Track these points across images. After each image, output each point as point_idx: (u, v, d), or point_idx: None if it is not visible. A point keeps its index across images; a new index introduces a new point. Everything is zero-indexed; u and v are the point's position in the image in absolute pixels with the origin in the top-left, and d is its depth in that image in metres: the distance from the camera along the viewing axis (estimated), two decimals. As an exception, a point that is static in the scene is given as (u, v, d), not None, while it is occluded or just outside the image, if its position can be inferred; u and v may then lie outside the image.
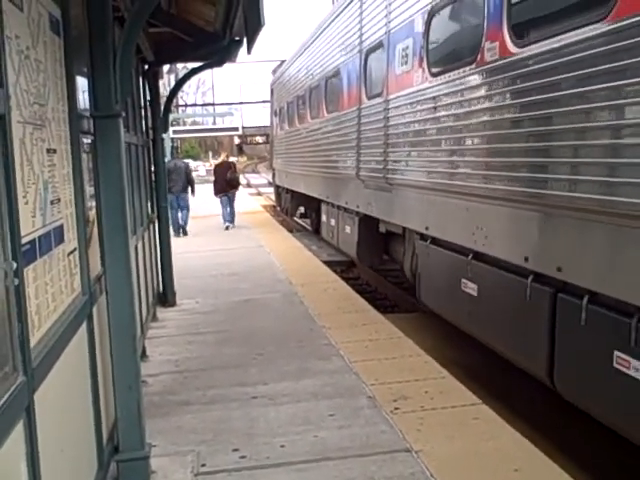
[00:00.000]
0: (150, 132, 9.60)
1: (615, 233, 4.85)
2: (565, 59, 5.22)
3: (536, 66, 5.63)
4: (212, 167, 23.05)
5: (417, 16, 8.47)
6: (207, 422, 5.52)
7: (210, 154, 62.39)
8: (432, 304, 8.88)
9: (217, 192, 19.75)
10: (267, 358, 7.15)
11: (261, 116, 39.13)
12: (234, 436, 5.23)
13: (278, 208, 26.06)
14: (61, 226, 3.52)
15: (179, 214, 18.42)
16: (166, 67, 20.08)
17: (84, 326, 3.89)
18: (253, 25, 6.73)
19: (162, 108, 10.07)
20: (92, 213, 4.43)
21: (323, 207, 15.90)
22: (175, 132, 27.06)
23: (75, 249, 3.84)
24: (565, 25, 5.25)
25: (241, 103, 47.70)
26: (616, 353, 4.90)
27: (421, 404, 5.72)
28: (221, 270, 12.62)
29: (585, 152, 5.09)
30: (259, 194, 41.49)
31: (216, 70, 39.32)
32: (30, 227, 2.89)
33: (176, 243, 10.51)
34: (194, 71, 10.79)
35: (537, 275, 6.02)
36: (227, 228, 19.32)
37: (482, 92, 6.70)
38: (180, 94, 24.05)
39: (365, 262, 12.80)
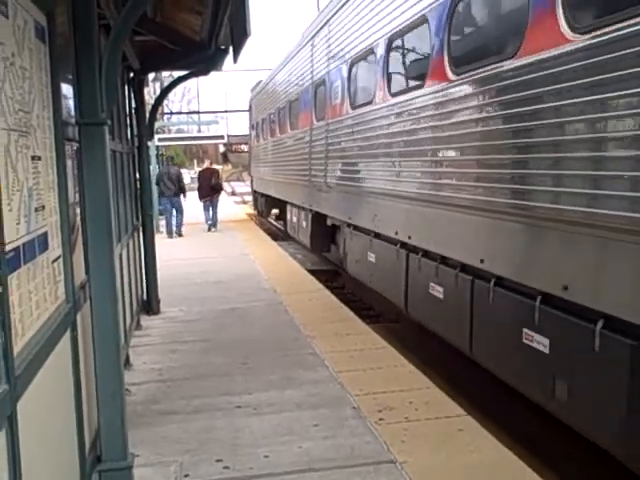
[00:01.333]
0: (135, 140, 9.58)
1: (524, 231, 5.78)
2: (483, 88, 6.32)
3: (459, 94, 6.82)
4: (197, 174, 23.61)
5: (343, 65, 11.65)
6: (191, 432, 5.48)
7: (195, 162, 62.25)
8: (352, 272, 12.01)
9: (202, 197, 21.46)
10: (252, 367, 7.13)
11: (246, 125, 39.21)
12: (218, 446, 5.20)
13: (255, 211, 28.92)
14: (45, 233, 3.49)
15: (173, 218, 19.99)
16: (151, 75, 20.08)
17: (67, 334, 3.86)
18: (239, 35, 6.75)
19: (147, 116, 10.06)
20: (76, 220, 4.40)
21: (288, 207, 18.68)
22: (160, 140, 26.98)
23: (59, 256, 3.81)
24: (485, 60, 6.29)
25: (226, 112, 47.78)
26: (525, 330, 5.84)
27: (406, 415, 5.72)
28: (206, 278, 12.58)
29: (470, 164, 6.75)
30: (244, 202, 41.46)
31: (201, 78, 39.35)
32: (14, 234, 2.86)
33: (161, 251, 10.45)
34: (180, 79, 10.78)
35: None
36: (209, 229, 21.12)
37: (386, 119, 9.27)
38: (165, 102, 24.10)
39: (317, 249, 15.52)
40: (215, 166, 25.91)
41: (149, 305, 9.73)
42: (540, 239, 5.55)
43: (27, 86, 3.26)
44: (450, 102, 7.01)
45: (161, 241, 17.82)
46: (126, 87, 8.89)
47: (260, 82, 25.40)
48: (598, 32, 4.63)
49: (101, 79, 4.25)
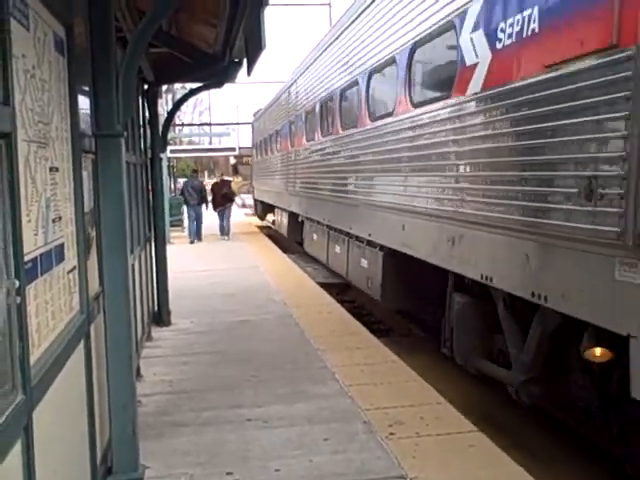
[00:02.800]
0: (148, 151, 9.62)
1: (392, 216, 8.98)
2: (427, 120, 7.62)
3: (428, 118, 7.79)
4: (209, 186, 24.96)
5: (302, 111, 16.71)
6: (201, 444, 5.48)
7: (206, 174, 62.40)
8: (308, 250, 17.07)
9: (216, 207, 23.36)
10: (262, 380, 7.12)
11: (257, 138, 39.28)
12: (228, 459, 5.19)
13: (256, 216, 34.09)
14: (62, 244, 3.52)
15: (194, 223, 22.20)
16: (164, 87, 20.22)
17: (81, 345, 3.87)
18: (254, 48, 6.77)
19: (160, 127, 10.10)
20: (91, 231, 4.43)
21: (275, 210, 24.80)
22: (172, 151, 27.11)
23: (75, 267, 3.83)
24: (430, 99, 7.67)
25: (237, 124, 47.83)
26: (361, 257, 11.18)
27: (417, 430, 5.69)
28: (216, 290, 12.59)
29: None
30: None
31: (213, 90, 39.47)
32: (32, 245, 2.88)
33: (172, 262, 10.46)
34: (193, 92, 10.83)
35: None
36: (222, 235, 22.94)
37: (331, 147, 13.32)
38: (177, 113, 24.32)
39: (292, 238, 20.48)
40: (226, 178, 27.97)
41: (160, 316, 9.74)
42: (368, 217, 10.31)
43: (46, 98, 3.29)
44: (416, 127, 8.09)
45: (180, 247, 19.46)
46: (140, 99, 8.93)
47: (260, 110, 30.45)
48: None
49: (118, 91, 4.29)
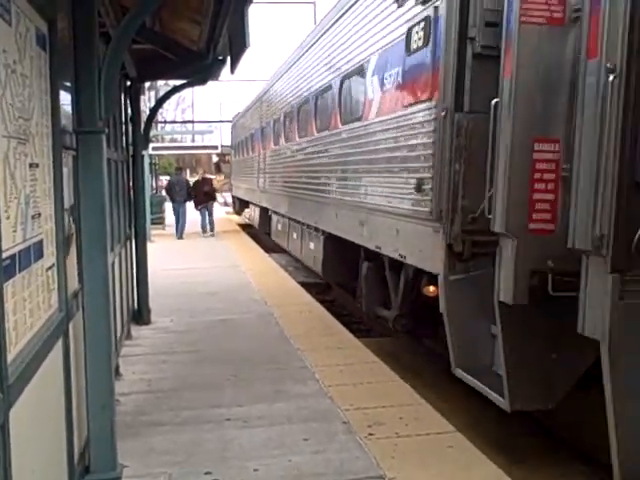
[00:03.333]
0: (130, 148, 9.56)
1: (329, 207, 11.51)
2: (353, 134, 10.00)
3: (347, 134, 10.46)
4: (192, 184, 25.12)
5: (271, 120, 19.36)
6: (179, 444, 5.45)
7: (188, 171, 62.19)
8: (274, 239, 19.68)
9: (197, 204, 23.67)
10: (242, 379, 7.11)
11: (240, 135, 39.46)
12: (207, 459, 5.17)
13: (232, 211, 37.07)
14: (41, 241, 3.48)
15: (179, 220, 22.76)
16: (147, 83, 20.14)
17: (60, 343, 3.84)
18: (238, 46, 6.76)
19: (143, 124, 10.04)
20: (70, 228, 4.39)
21: (250, 206, 27.54)
22: (154, 149, 26.99)
23: (53, 265, 3.80)
24: (352, 120, 10.10)
25: (221, 122, 47.66)
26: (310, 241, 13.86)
27: (396, 430, 5.70)
28: (197, 289, 12.55)
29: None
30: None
31: (196, 88, 39.35)
32: (11, 242, 2.85)
33: (152, 260, 10.40)
34: (176, 89, 10.80)
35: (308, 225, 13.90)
36: (204, 232, 23.45)
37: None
38: (160, 110, 24.35)
39: (262, 230, 23.07)
40: (208, 176, 28.96)
41: (140, 315, 9.68)
42: (314, 209, 12.80)
43: (27, 93, 3.26)
44: (343, 140, 10.72)
45: (161, 245, 19.34)
46: (122, 95, 8.87)
47: (238, 114, 33.24)
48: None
49: (100, 87, 4.25)
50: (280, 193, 17.47)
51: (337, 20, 11.06)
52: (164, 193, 27.11)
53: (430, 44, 6.94)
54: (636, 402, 4.65)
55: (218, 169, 55.28)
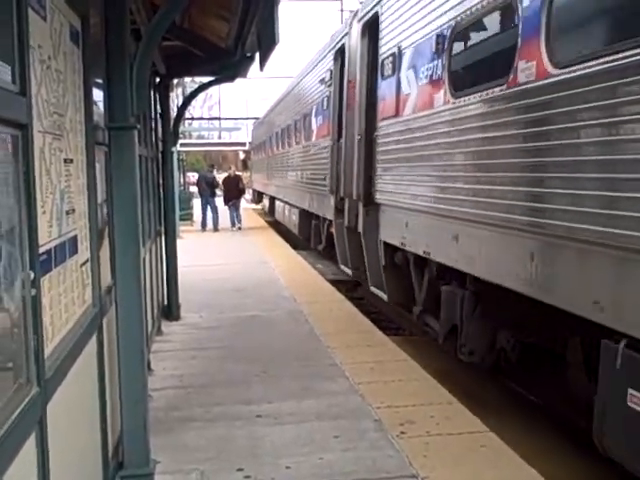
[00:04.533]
0: (160, 144, 9.60)
1: (305, 192, 17.89)
2: (304, 149, 18.14)
3: (301, 149, 19.06)
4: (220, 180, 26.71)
5: (273, 133, 26.76)
6: (211, 440, 5.45)
7: (215, 168, 62.52)
8: (278, 218, 26.47)
9: (227, 200, 25.01)
10: (271, 376, 7.10)
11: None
12: (238, 455, 5.16)
13: (252, 201, 41.62)
14: (75, 237, 3.49)
15: (208, 213, 24.22)
16: (175, 80, 20.28)
17: (94, 338, 3.85)
18: (267, 42, 6.73)
19: (172, 121, 10.07)
20: (103, 224, 4.40)
21: (264, 196, 34.43)
22: (182, 145, 27.17)
23: (87, 260, 3.81)
24: (303, 141, 18.20)
25: (247, 118, 47.82)
26: (292, 214, 22.17)
27: (427, 429, 5.65)
28: (225, 285, 12.58)
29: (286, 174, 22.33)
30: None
31: (223, 85, 39.49)
32: (47, 237, 2.86)
33: (181, 256, 10.43)
34: (205, 85, 10.82)
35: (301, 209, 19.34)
36: (233, 227, 24.57)
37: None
38: (187, 107, 24.69)
39: (270, 213, 30.66)
40: (238, 173, 29.30)
41: (169, 311, 9.72)
42: (296, 194, 19.78)
43: (61, 89, 3.26)
44: (298, 152, 19.19)
45: (189, 241, 19.45)
46: (152, 92, 8.90)
47: (257, 121, 39.67)
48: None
49: (132, 84, 4.26)
50: (279, 185, 24.42)
51: (300, 81, 19.43)
52: (191, 189, 29.65)
53: (329, 107, 13.88)
54: None
55: (245, 166, 55.53)
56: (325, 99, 14.39)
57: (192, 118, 47.67)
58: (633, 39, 4.29)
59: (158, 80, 9.36)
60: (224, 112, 58.26)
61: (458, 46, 7.28)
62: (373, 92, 10.25)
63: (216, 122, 50.30)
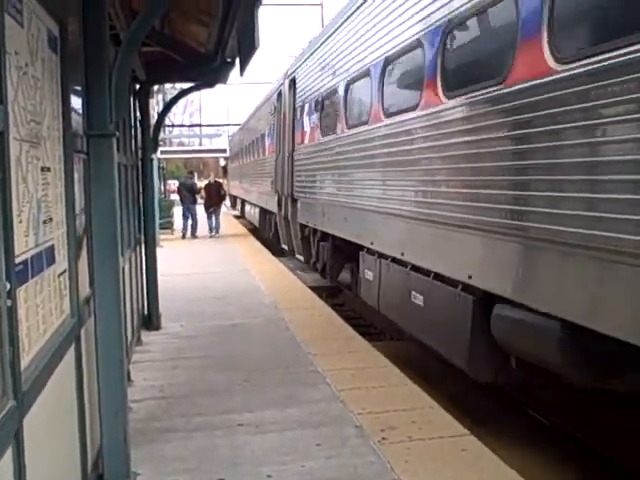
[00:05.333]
0: (139, 152, 9.53)
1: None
2: (259, 161, 25.03)
3: (254, 159, 27.36)
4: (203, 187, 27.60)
5: (244, 144, 33.03)
6: (192, 450, 5.40)
7: (195, 175, 62.35)
8: (247, 217, 33.02)
9: (208, 207, 25.22)
10: (253, 385, 7.05)
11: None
12: (219, 465, 5.11)
13: (229, 205, 45.61)
14: (52, 246, 3.44)
15: (189, 221, 24.51)
16: (155, 87, 20.22)
17: (72, 349, 3.80)
18: (247, 47, 6.73)
19: (152, 128, 10.02)
20: (81, 233, 4.35)
21: (237, 199, 39.65)
22: (162, 152, 27.11)
23: (65, 270, 3.76)
24: (260, 154, 24.57)
25: (228, 125, 47.81)
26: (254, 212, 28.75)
27: (409, 434, 5.63)
28: (206, 293, 12.52)
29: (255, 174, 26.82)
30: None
31: (204, 91, 39.56)
32: (23, 247, 2.81)
33: (161, 265, 10.36)
34: (185, 92, 10.78)
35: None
36: (211, 233, 24.82)
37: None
38: (168, 114, 24.83)
39: (242, 215, 35.66)
40: (218, 180, 30.73)
41: (150, 320, 9.64)
42: (251, 194, 28.36)
43: (39, 96, 3.22)
44: (253, 162, 27.00)
45: (169, 250, 19.33)
46: (131, 98, 8.85)
47: (233, 134, 44.76)
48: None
49: (111, 90, 4.23)
50: (245, 189, 30.71)
51: (259, 109, 25.61)
52: (172, 197, 29.77)
53: (273, 132, 19.15)
54: None
55: (225, 172, 55.53)
56: (272, 125, 19.86)
57: (172, 125, 47.58)
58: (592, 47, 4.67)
59: (138, 87, 9.31)
60: (205, 119, 58.27)
61: (325, 107, 12.63)
62: (294, 125, 15.67)
63: (197, 129, 50.23)
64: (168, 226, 25.30)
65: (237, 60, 7.85)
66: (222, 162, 56.10)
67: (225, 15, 6.28)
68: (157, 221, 19.80)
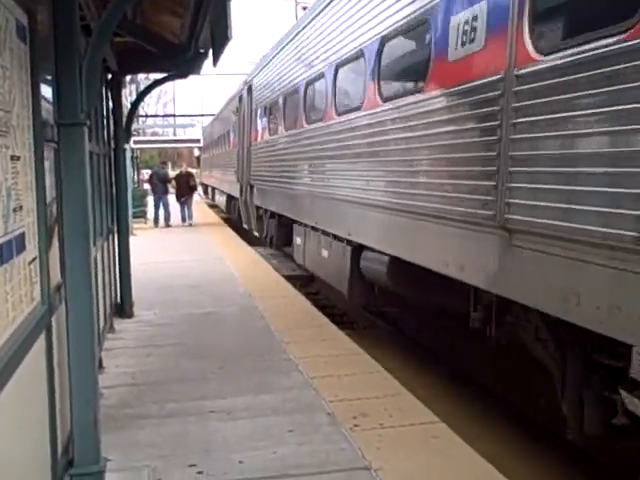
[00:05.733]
0: (112, 142, 9.51)
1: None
2: (224, 153, 29.01)
3: (220, 151, 31.35)
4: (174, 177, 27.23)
5: (215, 137, 34.88)
6: (164, 436, 5.44)
7: (170, 165, 62.01)
8: (216, 202, 35.43)
9: (179, 197, 25.70)
10: (226, 372, 7.10)
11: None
12: (191, 451, 5.16)
13: (202, 193, 47.49)
14: (22, 234, 3.46)
15: (160, 210, 24.69)
16: (128, 77, 20.08)
17: (42, 337, 3.82)
18: (220, 38, 6.73)
19: (124, 118, 9.99)
20: (52, 221, 4.36)
21: (209, 188, 41.08)
22: (136, 142, 26.96)
23: (36, 258, 3.78)
24: (225, 146, 28.32)
25: (202, 115, 47.58)
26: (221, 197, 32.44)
27: (380, 421, 5.72)
28: (180, 282, 12.52)
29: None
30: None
31: (177, 82, 39.38)
32: (-8, 235, 2.83)
33: (135, 254, 10.36)
34: (158, 82, 10.75)
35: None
36: (184, 222, 25.02)
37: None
38: (141, 104, 24.70)
39: (210, 200, 40.36)
40: (190, 170, 30.19)
41: (122, 308, 9.65)
42: (223, 182, 29.08)
43: (7, 85, 3.23)
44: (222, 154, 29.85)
45: (143, 238, 19.42)
46: (104, 89, 8.82)
47: (206, 126, 45.63)
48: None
49: (82, 80, 4.23)
50: (215, 177, 33.19)
51: (226, 107, 28.65)
52: (146, 186, 28.96)
53: (236, 128, 22.08)
54: None
55: (199, 163, 55.34)
56: (235, 123, 22.92)
57: (146, 115, 47.26)
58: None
59: (110, 77, 9.28)
60: (179, 109, 57.92)
61: (272, 112, 15.52)
62: (251, 125, 18.65)
63: (171, 119, 49.95)
64: (142, 215, 25.22)
65: (210, 51, 7.85)
66: (196, 152, 55.94)
67: (198, 6, 6.29)
68: (130, 210, 19.76)
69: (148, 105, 53.54)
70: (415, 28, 7.10)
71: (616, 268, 4.10)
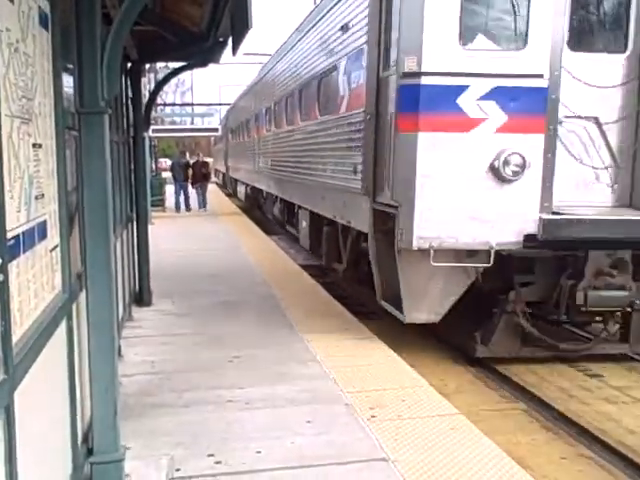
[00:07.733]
0: (131, 130, 9.52)
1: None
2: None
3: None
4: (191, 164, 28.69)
5: (227, 129, 39.37)
6: (182, 425, 5.46)
7: (187, 154, 62.22)
8: (222, 183, 47.54)
9: (194, 183, 27.63)
10: (244, 361, 7.11)
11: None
12: (209, 440, 5.18)
13: (216, 179, 50.91)
14: (44, 222, 3.46)
15: (181, 197, 26.76)
16: (146, 66, 20.14)
17: (64, 324, 3.83)
18: (240, 27, 6.70)
19: (144, 106, 9.99)
20: (73, 209, 4.37)
21: (221, 174, 47.46)
22: (154, 131, 27.00)
23: (57, 245, 3.78)
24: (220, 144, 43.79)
25: (220, 104, 47.51)
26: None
27: (398, 413, 5.71)
28: (198, 271, 12.55)
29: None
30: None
31: (195, 70, 39.47)
32: (15, 222, 2.83)
33: (153, 242, 10.38)
34: (177, 71, 10.75)
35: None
36: (201, 211, 26.72)
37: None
38: (159, 93, 24.89)
39: (225, 184, 44.29)
40: (206, 159, 32.70)
41: (141, 296, 9.68)
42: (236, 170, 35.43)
43: (30, 73, 3.23)
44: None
45: (161, 227, 19.40)
46: (123, 77, 8.82)
47: (222, 120, 48.71)
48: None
49: (102, 68, 4.21)
50: (225, 164, 39.29)
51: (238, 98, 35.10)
52: (164, 175, 30.49)
53: (225, 135, 40.25)
54: None
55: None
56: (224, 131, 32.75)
57: (164, 104, 47.30)
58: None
59: (130, 65, 9.28)
60: (197, 98, 57.96)
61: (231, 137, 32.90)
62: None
63: (189, 108, 49.94)
64: (160, 204, 25.32)
65: (230, 40, 7.83)
66: (213, 141, 56.25)
67: (218, -6, 6.26)
68: (149, 198, 19.84)
69: (166, 94, 53.64)
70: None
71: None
